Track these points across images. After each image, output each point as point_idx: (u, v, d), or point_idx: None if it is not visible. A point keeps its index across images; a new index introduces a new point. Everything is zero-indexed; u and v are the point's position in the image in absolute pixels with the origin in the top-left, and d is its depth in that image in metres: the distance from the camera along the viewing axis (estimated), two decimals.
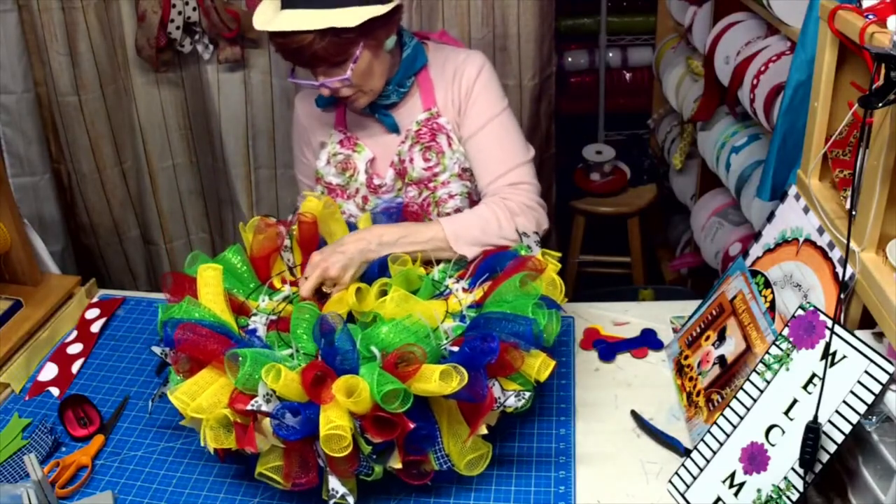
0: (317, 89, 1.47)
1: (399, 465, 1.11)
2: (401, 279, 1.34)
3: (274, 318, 1.33)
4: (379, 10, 1.36)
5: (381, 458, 1.11)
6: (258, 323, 1.31)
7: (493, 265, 1.36)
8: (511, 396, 1.13)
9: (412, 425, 1.07)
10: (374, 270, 1.39)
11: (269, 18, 1.37)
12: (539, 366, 1.17)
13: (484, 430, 1.14)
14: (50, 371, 1.50)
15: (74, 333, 1.60)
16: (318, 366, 1.09)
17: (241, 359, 1.09)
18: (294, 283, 1.41)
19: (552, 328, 1.20)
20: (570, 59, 3.51)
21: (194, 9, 2.14)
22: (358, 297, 1.29)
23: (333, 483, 1.09)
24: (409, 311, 1.21)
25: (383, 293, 1.30)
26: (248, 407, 1.07)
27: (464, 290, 1.36)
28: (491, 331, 1.14)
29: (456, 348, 1.16)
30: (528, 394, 1.15)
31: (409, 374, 1.07)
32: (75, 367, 1.51)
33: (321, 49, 1.36)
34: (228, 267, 1.39)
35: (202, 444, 1.14)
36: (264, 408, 1.07)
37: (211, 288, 1.28)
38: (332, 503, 1.09)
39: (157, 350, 1.24)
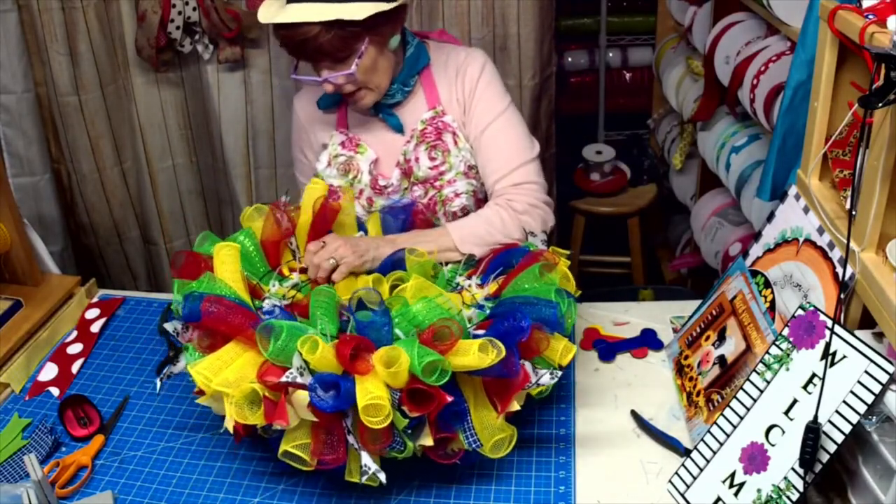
0: (320, 85, 1.46)
1: (430, 442, 1.11)
2: (416, 271, 1.35)
3: (286, 303, 1.33)
4: (384, 5, 1.37)
5: (413, 434, 1.11)
6: (274, 304, 1.31)
7: (505, 260, 1.38)
8: (545, 374, 1.14)
9: (449, 398, 1.07)
10: (388, 265, 1.39)
11: (274, 12, 1.38)
12: (562, 350, 1.18)
13: (516, 407, 1.14)
14: (50, 371, 1.50)
15: (74, 333, 1.61)
16: (355, 338, 1.09)
17: (276, 330, 1.08)
18: (303, 271, 1.41)
19: (571, 316, 1.21)
20: (570, 59, 3.51)
21: (194, 9, 2.14)
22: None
23: (366, 459, 1.08)
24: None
25: (394, 286, 1.31)
26: (283, 379, 1.06)
27: (477, 285, 1.37)
28: (518, 311, 1.15)
29: (481, 332, 1.16)
30: (559, 372, 1.15)
31: (447, 348, 1.08)
32: (75, 367, 1.51)
33: (326, 42, 1.36)
34: (242, 249, 1.38)
35: (226, 421, 1.10)
36: (299, 380, 1.06)
37: (228, 266, 1.26)
38: (364, 479, 1.08)
39: (168, 327, 1.22)
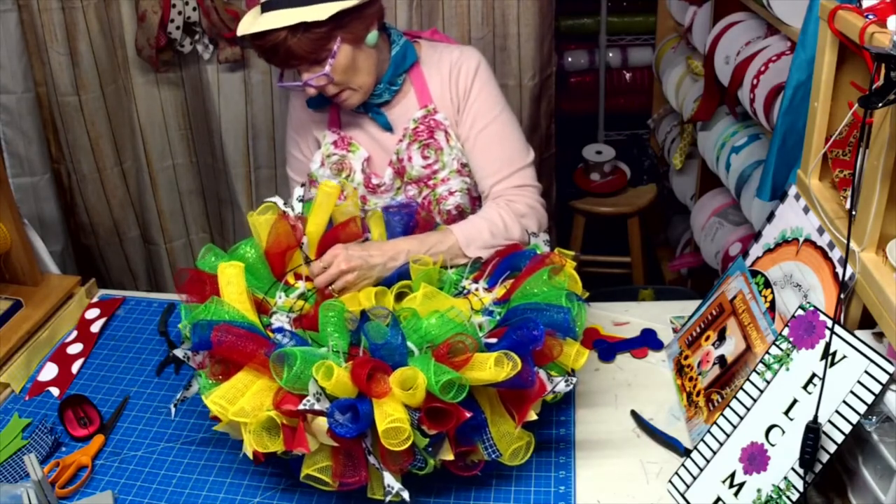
0: (303, 90, 1.47)
1: (451, 457, 1.11)
2: (422, 279, 1.35)
3: (294, 315, 1.32)
4: (347, 3, 1.38)
5: (433, 451, 1.11)
6: (282, 321, 1.30)
7: (512, 264, 1.38)
8: (560, 382, 1.14)
9: (468, 414, 1.07)
10: (394, 277, 1.39)
11: (249, 24, 1.41)
12: (574, 355, 1.19)
13: (534, 416, 1.14)
14: (50, 371, 1.50)
15: (74, 333, 1.60)
16: (370, 360, 1.09)
17: (290, 358, 1.07)
18: (310, 279, 1.40)
19: (581, 319, 1.22)
20: (570, 59, 3.51)
21: (194, 9, 2.14)
22: (377, 300, 1.29)
23: (389, 479, 1.07)
24: (436, 306, 1.22)
25: (400, 296, 1.30)
26: (300, 407, 1.05)
27: (484, 289, 1.37)
28: (530, 319, 1.15)
29: (493, 340, 1.16)
30: (574, 379, 1.15)
31: (462, 363, 1.07)
32: (75, 367, 1.51)
33: (295, 45, 1.38)
34: (246, 262, 1.37)
35: (244, 448, 1.10)
36: (317, 406, 1.05)
37: (234, 286, 1.25)
38: (388, 499, 1.08)
39: (178, 353, 1.21)
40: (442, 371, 1.05)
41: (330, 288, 1.36)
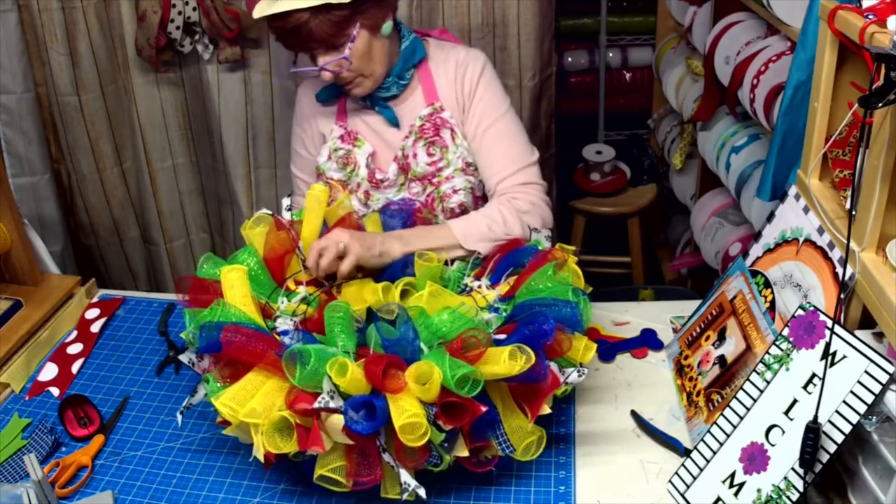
0: (318, 75, 1.48)
1: (466, 453, 1.11)
2: (426, 276, 1.35)
3: (297, 318, 1.32)
4: None
5: (448, 446, 1.10)
6: (287, 325, 1.29)
7: (514, 260, 1.38)
8: (573, 373, 1.14)
9: (484, 408, 1.07)
10: (398, 270, 1.39)
11: (266, 7, 1.42)
12: (583, 349, 1.19)
13: (547, 410, 1.14)
14: (50, 371, 1.50)
15: (74, 333, 1.61)
16: (384, 357, 1.08)
17: (304, 356, 1.06)
18: (311, 283, 1.40)
19: (587, 313, 1.22)
20: (570, 59, 3.51)
21: (194, 9, 2.14)
22: (382, 296, 1.29)
23: (405, 477, 1.07)
24: (442, 304, 1.22)
25: (403, 294, 1.31)
26: (315, 405, 1.04)
27: (487, 286, 1.37)
28: (540, 314, 1.15)
29: (502, 336, 1.16)
30: (586, 370, 1.16)
31: (476, 357, 1.08)
32: (75, 367, 1.51)
33: (316, 27, 1.39)
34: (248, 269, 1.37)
35: (255, 451, 1.09)
36: (331, 404, 1.04)
37: (237, 290, 1.24)
38: (405, 496, 1.07)
39: (183, 358, 1.21)
40: (457, 365, 1.05)
41: (333, 251, 1.33)
